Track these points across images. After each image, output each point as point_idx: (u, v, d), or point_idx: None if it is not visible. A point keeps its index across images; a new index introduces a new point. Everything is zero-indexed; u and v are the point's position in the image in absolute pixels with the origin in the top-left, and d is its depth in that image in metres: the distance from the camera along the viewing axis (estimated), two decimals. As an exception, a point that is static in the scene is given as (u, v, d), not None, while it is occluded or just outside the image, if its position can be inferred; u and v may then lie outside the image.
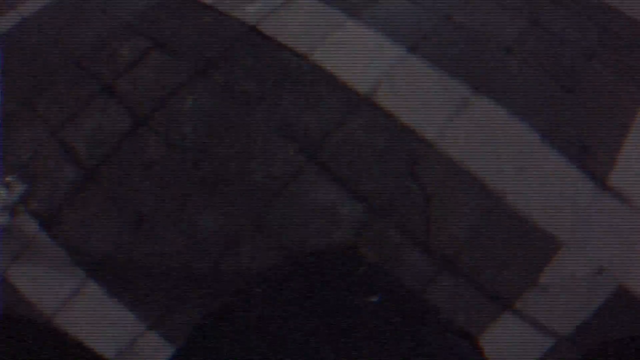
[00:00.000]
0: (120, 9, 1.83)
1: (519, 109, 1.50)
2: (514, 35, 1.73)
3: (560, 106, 1.55)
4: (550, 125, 1.50)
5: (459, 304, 1.27)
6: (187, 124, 1.44)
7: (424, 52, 1.57)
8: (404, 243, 1.32)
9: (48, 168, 1.42)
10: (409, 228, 1.34)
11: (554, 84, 1.61)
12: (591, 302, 1.30)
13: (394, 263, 1.31)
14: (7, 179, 1.38)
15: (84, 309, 1.26)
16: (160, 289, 1.28)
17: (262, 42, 1.58)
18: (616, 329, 1.25)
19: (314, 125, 1.42)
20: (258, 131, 1.41)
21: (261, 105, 1.44)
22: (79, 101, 1.52)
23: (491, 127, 1.45)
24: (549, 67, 1.65)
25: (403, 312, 0.40)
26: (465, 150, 1.42)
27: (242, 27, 1.63)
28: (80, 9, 1.85)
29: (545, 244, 1.35)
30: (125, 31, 1.71)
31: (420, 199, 1.37)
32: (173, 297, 1.26)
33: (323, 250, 0.61)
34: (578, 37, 1.83)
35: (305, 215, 1.34)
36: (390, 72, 1.50)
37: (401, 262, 1.31)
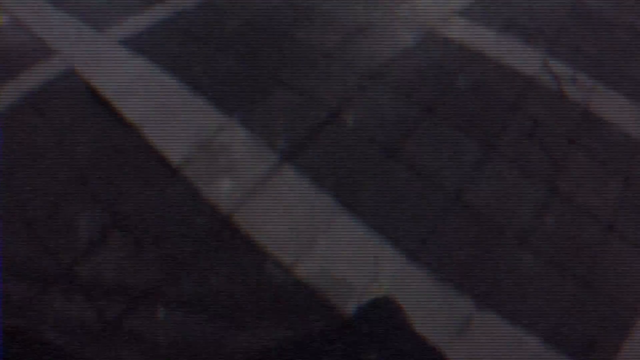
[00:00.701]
0: (73, 147, 1.53)
1: (526, 317, 1.33)
2: (531, 213, 1.51)
3: (570, 307, 1.38)
4: (558, 329, 1.33)
5: None
6: (161, 335, 1.24)
7: (427, 259, 1.35)
8: None
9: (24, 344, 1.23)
10: None
11: (569, 278, 1.42)
12: None
13: None
14: None
15: None
16: None
17: (239, 244, 1.33)
18: None
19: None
20: (232, 370, 1.22)
21: (240, 335, 1.23)
22: (39, 284, 1.30)
23: (493, 345, 1.28)
24: (565, 256, 1.46)
25: None
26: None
27: (216, 216, 1.37)
28: (31, 144, 1.55)
29: None
30: (82, 193, 1.44)
31: None
32: None
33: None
34: (600, 202, 1.61)
35: None
36: (388, 291, 1.29)
37: None
